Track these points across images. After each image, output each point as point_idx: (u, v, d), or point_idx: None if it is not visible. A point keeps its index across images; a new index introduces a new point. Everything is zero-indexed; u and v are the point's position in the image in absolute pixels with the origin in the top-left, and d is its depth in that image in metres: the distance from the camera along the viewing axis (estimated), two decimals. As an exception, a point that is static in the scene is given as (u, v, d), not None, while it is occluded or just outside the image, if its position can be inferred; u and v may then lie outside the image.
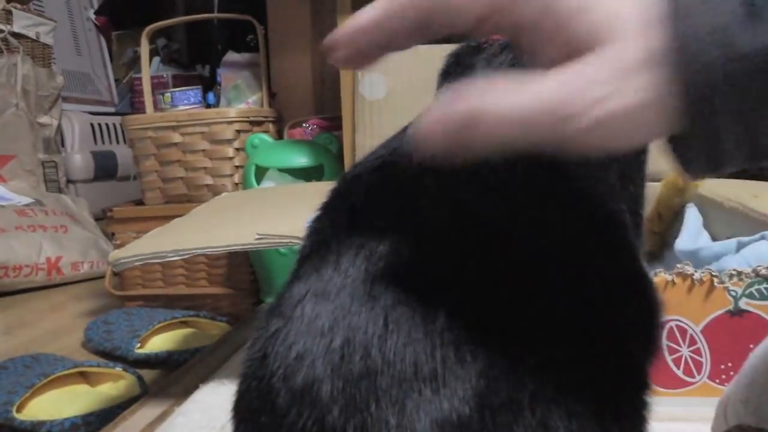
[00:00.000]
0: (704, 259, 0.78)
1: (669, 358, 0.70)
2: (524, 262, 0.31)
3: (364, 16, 0.28)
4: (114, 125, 2.53)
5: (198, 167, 1.46)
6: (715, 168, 0.25)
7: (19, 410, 0.85)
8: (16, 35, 1.96)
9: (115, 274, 1.48)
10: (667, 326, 0.69)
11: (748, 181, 0.97)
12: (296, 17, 1.64)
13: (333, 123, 1.50)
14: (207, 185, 1.46)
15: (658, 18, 0.23)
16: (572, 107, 0.23)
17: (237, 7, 1.77)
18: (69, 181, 2.25)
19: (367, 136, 1.18)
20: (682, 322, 0.69)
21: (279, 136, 1.56)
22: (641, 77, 0.23)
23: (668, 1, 0.23)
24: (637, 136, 0.24)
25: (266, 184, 1.38)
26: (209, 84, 1.85)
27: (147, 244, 0.88)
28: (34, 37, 2.02)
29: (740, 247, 0.77)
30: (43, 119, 2.07)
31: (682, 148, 0.25)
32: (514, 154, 0.26)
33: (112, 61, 2.80)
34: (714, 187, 0.94)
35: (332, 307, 0.30)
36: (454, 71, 0.49)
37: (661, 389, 0.69)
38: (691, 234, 0.85)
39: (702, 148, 0.24)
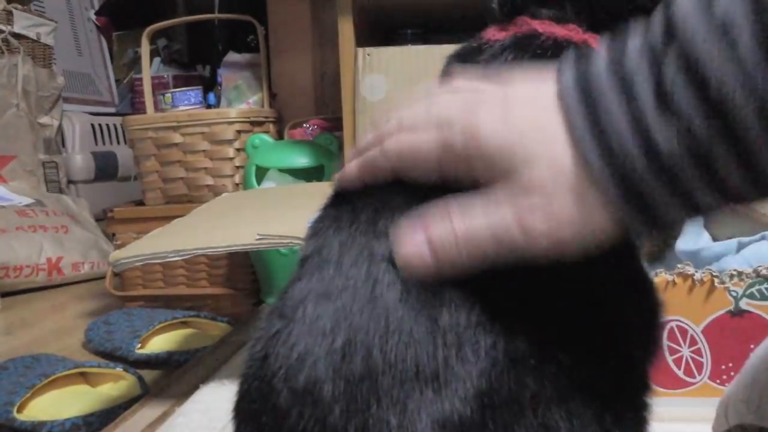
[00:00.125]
0: (705, 259, 0.78)
1: (670, 359, 0.69)
2: (525, 264, 0.31)
3: (347, 179, 0.36)
4: (114, 126, 2.53)
5: (198, 168, 1.46)
6: (662, 230, 0.28)
7: (19, 411, 0.85)
8: (17, 36, 1.96)
9: (115, 274, 1.48)
10: (668, 326, 0.69)
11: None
12: (297, 18, 1.64)
13: (333, 123, 1.50)
14: (207, 186, 1.46)
15: (577, 135, 0.26)
16: (509, 237, 0.28)
17: (237, 8, 1.77)
18: (69, 182, 2.25)
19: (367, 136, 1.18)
20: (682, 322, 0.69)
21: (279, 136, 1.56)
22: (565, 201, 0.27)
23: (586, 115, 0.26)
24: (588, 240, 0.28)
25: (267, 184, 1.38)
26: (210, 84, 1.85)
27: (147, 245, 0.88)
28: (35, 38, 2.02)
29: (741, 247, 0.77)
30: (44, 120, 2.07)
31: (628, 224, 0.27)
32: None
33: (112, 61, 2.80)
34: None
35: (334, 308, 0.30)
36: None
37: (662, 389, 0.69)
38: (692, 234, 0.85)
39: (642, 226, 0.27)
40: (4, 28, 1.92)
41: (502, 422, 0.28)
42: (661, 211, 0.26)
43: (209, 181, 1.46)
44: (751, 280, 0.67)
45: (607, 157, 0.25)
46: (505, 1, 0.48)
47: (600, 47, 0.28)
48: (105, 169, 2.42)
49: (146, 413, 0.79)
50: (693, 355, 0.69)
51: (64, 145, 2.29)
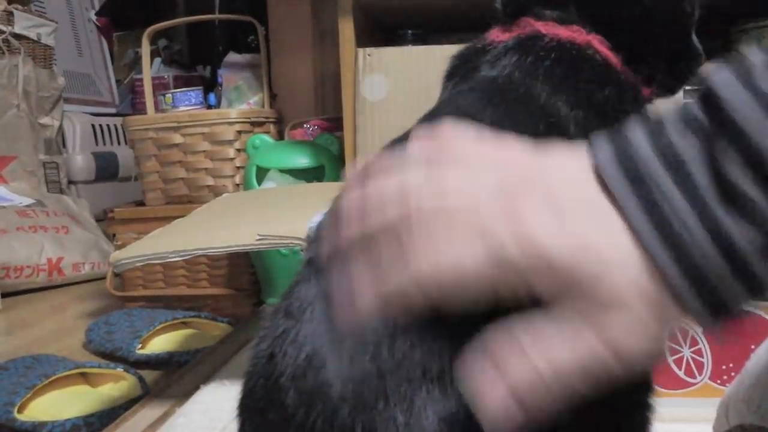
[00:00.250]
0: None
1: (670, 359, 0.69)
2: None
3: (362, 310, 0.27)
4: (115, 126, 2.53)
5: (199, 168, 1.46)
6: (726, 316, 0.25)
7: (20, 411, 0.85)
8: (18, 36, 1.96)
9: (116, 274, 1.48)
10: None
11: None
12: (297, 18, 1.64)
13: (334, 124, 1.50)
14: (208, 186, 1.46)
15: (647, 239, 0.23)
16: (600, 365, 0.24)
17: (238, 8, 1.78)
18: (70, 182, 2.25)
19: (368, 136, 1.18)
20: (683, 323, 0.69)
21: (280, 136, 1.56)
22: (658, 324, 0.24)
23: (645, 207, 0.23)
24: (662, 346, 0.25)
25: (267, 184, 1.38)
26: (210, 85, 1.85)
27: (148, 245, 0.88)
28: (36, 38, 2.02)
29: (742, 247, 0.77)
30: (45, 120, 2.07)
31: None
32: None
33: (113, 62, 2.80)
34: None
35: None
36: (458, 72, 0.49)
37: (663, 390, 0.69)
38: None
39: (713, 317, 0.25)
40: (4, 28, 1.92)
41: None
42: (737, 305, 0.25)
43: (210, 181, 1.46)
44: (751, 281, 0.67)
45: (679, 256, 0.23)
46: (509, 2, 0.48)
47: (631, 124, 0.26)
48: (105, 169, 2.42)
49: (147, 414, 0.79)
50: (694, 355, 0.69)
51: (64, 145, 2.29)
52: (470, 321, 0.29)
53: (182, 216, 1.07)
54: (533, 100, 0.43)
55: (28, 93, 1.99)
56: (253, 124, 1.48)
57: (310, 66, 1.66)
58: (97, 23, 2.79)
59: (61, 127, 2.17)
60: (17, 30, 1.95)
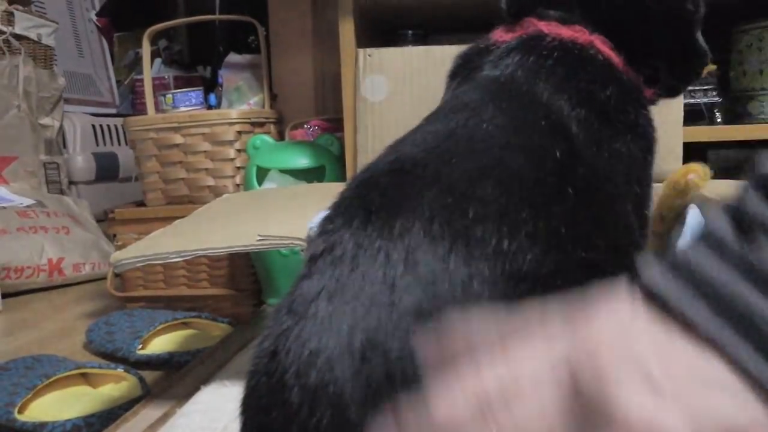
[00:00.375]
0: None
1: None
2: (536, 266, 0.31)
3: None
4: (115, 126, 2.53)
5: (199, 168, 1.46)
6: None
7: (20, 411, 0.85)
8: (18, 37, 1.96)
9: (116, 275, 1.48)
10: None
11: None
12: (297, 18, 1.64)
13: (334, 124, 1.50)
14: (208, 186, 1.46)
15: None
16: None
17: (238, 9, 1.77)
18: (71, 183, 2.25)
19: (368, 137, 1.18)
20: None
21: (280, 137, 1.56)
22: None
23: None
24: None
25: (268, 185, 1.38)
26: (211, 85, 1.85)
27: (148, 245, 0.88)
28: (36, 39, 2.02)
29: (743, 248, 0.77)
30: (45, 121, 2.07)
31: None
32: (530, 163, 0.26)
33: (113, 62, 2.80)
34: (716, 188, 0.94)
35: (350, 308, 0.30)
36: (462, 72, 0.49)
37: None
38: (693, 235, 0.84)
39: None
40: (5, 29, 1.92)
41: None
42: None
43: (210, 182, 1.46)
44: (753, 281, 0.66)
45: None
46: (512, 3, 0.49)
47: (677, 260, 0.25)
48: (106, 169, 2.42)
49: (147, 414, 0.79)
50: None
51: (65, 146, 2.29)
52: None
53: (183, 216, 1.07)
54: (535, 99, 0.43)
55: (29, 93, 1.99)
56: (254, 124, 1.48)
57: (311, 66, 1.66)
58: (98, 24, 2.79)
59: (61, 128, 2.17)
60: (18, 30, 1.96)
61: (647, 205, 0.47)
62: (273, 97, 1.61)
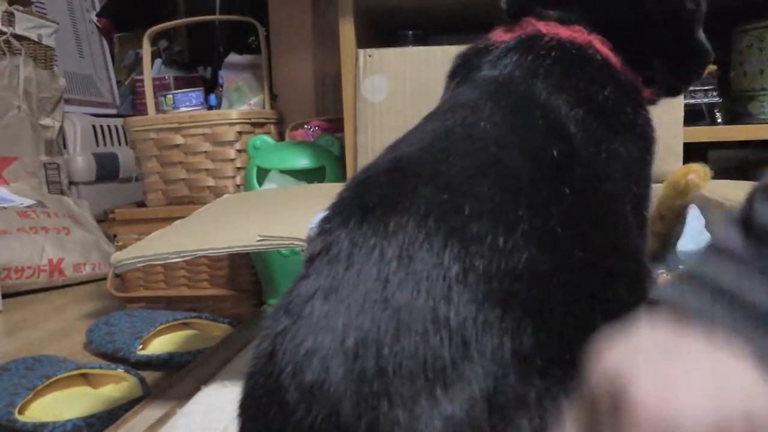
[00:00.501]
0: (706, 260, 0.77)
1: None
2: (531, 263, 0.31)
3: None
4: (116, 127, 2.53)
5: (200, 169, 1.46)
6: None
7: (21, 412, 0.85)
8: (19, 37, 1.96)
9: (116, 275, 1.48)
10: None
11: (750, 182, 0.97)
12: (298, 19, 1.64)
13: (334, 124, 1.50)
14: (209, 187, 1.46)
15: None
16: None
17: (238, 9, 1.77)
18: (71, 183, 2.25)
19: (368, 137, 1.18)
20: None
21: (281, 137, 1.56)
22: None
23: None
24: None
25: (268, 185, 1.38)
26: (211, 86, 1.85)
27: (149, 246, 0.88)
28: (37, 39, 2.02)
29: (742, 248, 0.77)
30: (45, 121, 2.07)
31: None
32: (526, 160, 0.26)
33: (114, 63, 2.80)
34: (716, 188, 0.94)
35: (344, 307, 0.30)
36: (461, 72, 0.49)
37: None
38: (693, 235, 0.84)
39: None
40: (5, 29, 1.92)
41: (508, 420, 0.28)
42: None
43: (210, 182, 1.46)
44: (752, 281, 0.66)
45: None
46: (512, 3, 0.49)
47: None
48: (106, 170, 2.42)
49: (148, 414, 0.79)
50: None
51: (65, 146, 2.29)
52: (471, 321, 0.29)
53: (183, 217, 1.07)
54: (533, 98, 0.43)
55: (29, 94, 1.99)
56: (254, 124, 1.48)
57: (311, 67, 1.66)
58: (98, 24, 2.79)
59: (62, 128, 2.17)
60: (18, 31, 1.96)
61: (646, 205, 0.47)
62: (273, 98, 1.61)
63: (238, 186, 1.46)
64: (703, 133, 1.21)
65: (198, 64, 2.18)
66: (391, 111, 1.17)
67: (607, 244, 0.36)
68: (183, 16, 2.25)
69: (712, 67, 1.28)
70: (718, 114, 1.31)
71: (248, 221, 0.97)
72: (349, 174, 1.26)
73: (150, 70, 1.55)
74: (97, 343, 1.15)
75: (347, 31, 1.20)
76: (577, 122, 0.42)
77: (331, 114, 1.59)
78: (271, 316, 0.33)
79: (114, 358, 1.09)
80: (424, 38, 1.38)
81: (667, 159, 1.05)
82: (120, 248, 1.36)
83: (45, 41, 2.05)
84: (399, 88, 1.16)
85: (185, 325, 1.19)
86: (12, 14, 1.94)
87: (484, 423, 0.28)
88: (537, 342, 0.29)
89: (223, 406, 0.76)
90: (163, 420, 0.77)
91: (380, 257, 0.31)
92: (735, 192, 0.90)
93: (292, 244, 0.80)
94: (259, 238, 0.81)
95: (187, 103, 1.54)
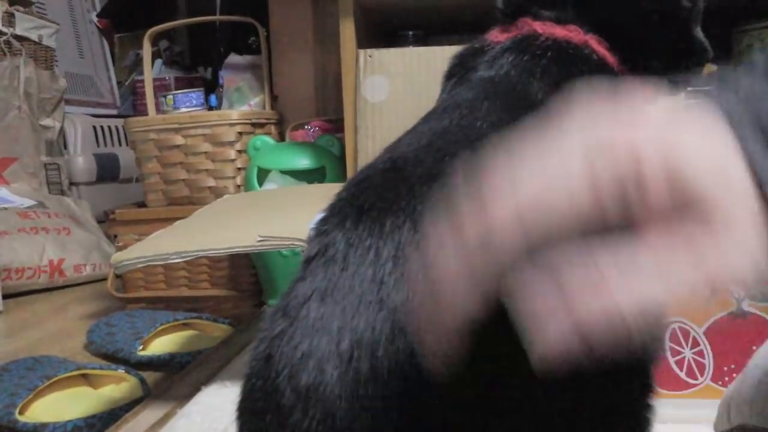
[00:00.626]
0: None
1: (672, 360, 0.69)
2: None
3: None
4: (116, 127, 2.54)
5: (200, 169, 1.46)
6: None
7: (21, 412, 0.85)
8: (19, 38, 1.96)
9: (117, 276, 1.48)
10: (670, 328, 0.69)
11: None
12: (298, 19, 1.64)
13: (335, 125, 1.50)
14: (209, 187, 1.46)
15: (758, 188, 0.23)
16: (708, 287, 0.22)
17: (239, 10, 1.77)
18: (71, 184, 2.25)
19: (368, 138, 1.18)
20: (684, 323, 0.69)
21: (281, 138, 1.56)
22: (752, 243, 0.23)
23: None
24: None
25: (268, 186, 1.38)
26: (211, 86, 1.85)
27: (149, 246, 0.88)
28: (37, 40, 2.02)
29: (743, 248, 0.77)
30: (46, 122, 2.07)
31: None
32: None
33: (114, 63, 2.80)
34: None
35: (339, 309, 0.30)
36: (457, 72, 0.49)
37: (664, 391, 0.69)
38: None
39: None
40: (6, 30, 1.92)
41: (506, 424, 0.28)
42: None
43: (211, 182, 1.46)
44: (753, 282, 0.66)
45: None
46: (508, 3, 0.49)
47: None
48: (107, 170, 2.42)
49: (148, 415, 0.79)
50: (695, 356, 0.69)
51: (66, 147, 2.29)
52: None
53: (183, 217, 1.07)
54: (529, 98, 0.43)
55: (30, 94, 1.99)
56: (254, 125, 1.48)
57: (311, 67, 1.66)
58: (98, 25, 2.79)
59: (62, 129, 2.17)
60: (19, 32, 1.96)
61: None
62: (273, 98, 1.61)
63: (239, 186, 1.46)
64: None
65: (198, 64, 2.19)
66: (391, 111, 1.17)
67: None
68: (183, 16, 2.25)
69: (712, 68, 1.28)
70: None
71: (248, 222, 0.97)
72: (350, 174, 1.26)
73: (150, 71, 1.55)
74: (97, 344, 1.15)
75: (347, 31, 1.20)
76: None
77: (331, 114, 1.59)
78: (269, 319, 0.33)
79: (114, 358, 1.10)
80: (424, 39, 1.38)
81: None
82: (120, 249, 1.37)
83: (45, 42, 2.05)
84: (399, 89, 1.16)
85: (186, 326, 1.19)
86: (12, 15, 1.94)
87: (479, 425, 0.28)
88: None
89: (224, 407, 0.76)
90: (163, 420, 0.77)
91: (376, 258, 0.31)
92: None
93: (293, 244, 0.80)
94: (260, 239, 0.81)
95: (188, 104, 1.54)
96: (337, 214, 0.35)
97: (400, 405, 0.28)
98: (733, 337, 0.68)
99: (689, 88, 0.54)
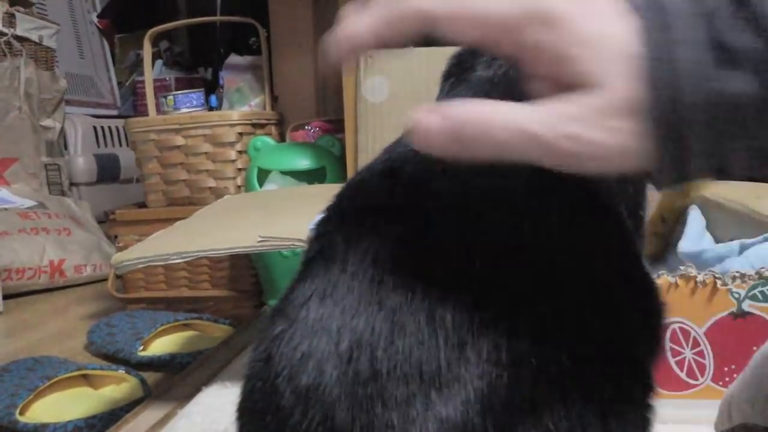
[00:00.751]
0: (707, 261, 0.78)
1: (672, 361, 0.69)
2: (529, 264, 0.31)
3: (362, 25, 0.28)
4: (117, 128, 2.54)
5: (200, 170, 1.46)
6: (680, 182, 0.27)
7: (22, 413, 0.85)
8: (20, 38, 1.96)
9: (117, 276, 1.48)
10: (671, 328, 0.69)
11: (751, 182, 0.97)
12: (298, 20, 1.64)
13: (335, 125, 1.50)
14: (210, 188, 1.46)
15: (639, 69, 0.25)
16: (547, 137, 0.25)
17: (239, 10, 1.78)
18: (72, 184, 2.25)
19: (369, 138, 1.18)
20: (685, 324, 0.69)
21: (281, 138, 1.56)
22: (616, 122, 0.25)
23: (650, 51, 0.24)
24: (609, 166, 0.26)
25: (269, 186, 1.38)
26: (212, 87, 1.86)
27: (150, 247, 0.88)
28: (37, 41, 2.03)
29: (743, 248, 0.77)
30: (46, 122, 2.08)
31: (652, 168, 0.26)
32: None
33: (114, 64, 2.80)
34: (717, 188, 0.94)
35: (339, 309, 0.30)
36: (455, 72, 0.49)
37: (664, 391, 0.69)
38: (694, 236, 0.85)
39: (670, 172, 0.26)
40: (6, 30, 1.92)
41: (503, 423, 0.28)
42: (694, 161, 0.25)
43: (211, 183, 1.46)
44: (753, 282, 0.66)
45: (660, 89, 0.24)
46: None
47: None
48: (107, 171, 2.42)
49: (148, 415, 0.79)
50: (695, 356, 0.69)
51: (66, 147, 2.30)
52: (468, 322, 0.29)
53: (184, 218, 1.07)
54: (527, 98, 0.43)
55: (30, 95, 1.99)
56: (255, 125, 1.48)
57: (312, 67, 1.66)
58: (99, 25, 2.79)
59: (62, 129, 2.17)
60: (19, 32, 1.96)
61: (642, 205, 0.47)
62: (274, 99, 1.61)
63: (239, 187, 1.46)
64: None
65: (199, 65, 2.19)
66: (391, 112, 1.17)
67: (605, 245, 0.36)
68: (184, 17, 2.25)
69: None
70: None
71: (249, 222, 0.97)
72: (350, 175, 1.26)
73: (151, 71, 1.55)
74: (97, 344, 1.15)
75: (348, 32, 1.20)
76: None
77: (331, 115, 1.59)
78: (269, 319, 0.33)
79: (115, 359, 1.10)
80: (425, 39, 1.38)
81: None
82: (121, 249, 1.37)
83: (46, 42, 2.05)
84: (399, 89, 1.16)
85: (186, 326, 1.19)
86: (13, 15, 1.94)
87: (478, 426, 0.28)
88: (532, 342, 0.29)
89: (224, 407, 0.76)
90: (164, 421, 0.77)
91: (375, 258, 0.31)
92: (736, 192, 0.90)
93: (293, 245, 0.80)
94: (260, 239, 0.81)
95: (188, 104, 1.54)
96: (336, 215, 0.35)
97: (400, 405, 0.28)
98: (733, 337, 0.68)
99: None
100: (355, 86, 1.19)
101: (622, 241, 0.37)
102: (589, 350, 0.31)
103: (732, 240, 0.79)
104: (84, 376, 0.96)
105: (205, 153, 1.45)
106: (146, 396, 0.90)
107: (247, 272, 1.40)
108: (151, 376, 1.00)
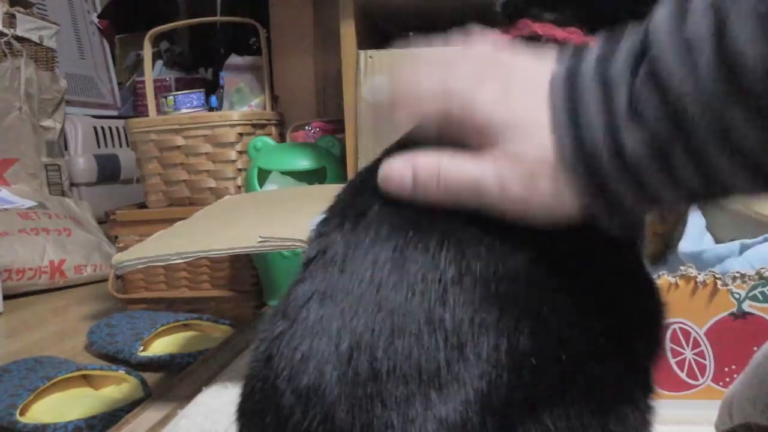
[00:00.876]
0: (707, 261, 0.78)
1: (672, 361, 0.69)
2: (529, 264, 0.31)
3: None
4: (117, 128, 2.54)
5: (201, 170, 1.46)
6: (621, 218, 0.30)
7: (22, 413, 0.85)
8: (20, 39, 1.96)
9: (118, 277, 1.48)
10: (671, 329, 0.69)
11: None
12: (299, 20, 1.64)
13: (335, 126, 1.50)
14: (210, 188, 1.46)
15: (558, 124, 0.29)
16: (485, 188, 0.31)
17: (240, 11, 1.78)
18: (72, 184, 2.25)
19: (369, 138, 1.18)
20: (685, 324, 0.69)
21: (281, 139, 1.56)
22: (540, 176, 0.29)
23: (568, 108, 0.29)
24: (546, 216, 0.30)
25: (269, 186, 1.38)
26: (212, 87, 1.85)
27: (150, 247, 0.88)
28: (38, 41, 2.03)
29: (743, 249, 0.77)
30: (47, 123, 2.08)
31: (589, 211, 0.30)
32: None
33: (115, 64, 2.80)
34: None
35: (339, 310, 0.30)
36: None
37: (665, 392, 0.69)
38: (695, 236, 0.84)
39: (605, 214, 0.30)
40: (6, 31, 1.92)
41: (502, 423, 0.28)
42: (622, 203, 0.29)
43: (211, 183, 1.46)
44: (753, 282, 0.66)
45: (579, 151, 0.28)
46: (508, 4, 0.49)
47: (595, 44, 0.30)
48: (107, 171, 2.42)
49: (149, 416, 0.79)
50: (696, 357, 0.69)
51: (66, 147, 2.30)
52: (468, 322, 0.29)
53: (184, 218, 1.07)
54: None
55: (30, 95, 2.00)
56: (255, 126, 1.48)
57: (312, 68, 1.66)
58: (99, 26, 2.79)
59: (63, 130, 2.17)
60: (19, 33, 1.96)
61: None
62: (274, 99, 1.61)
63: (239, 187, 1.46)
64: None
65: (199, 65, 2.19)
66: (391, 112, 1.16)
67: (605, 246, 0.36)
68: (184, 17, 2.26)
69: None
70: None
71: (249, 223, 0.97)
72: (350, 175, 1.26)
73: (151, 72, 1.55)
74: (98, 345, 1.15)
75: (348, 32, 1.20)
76: None
77: (331, 115, 1.59)
78: (269, 320, 0.33)
79: (115, 359, 1.10)
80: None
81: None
82: (121, 249, 1.37)
83: (46, 43, 2.05)
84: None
85: (186, 327, 1.19)
86: (13, 16, 1.94)
87: (477, 425, 0.28)
88: (532, 342, 0.29)
89: (224, 408, 0.76)
90: (164, 421, 0.77)
91: (374, 259, 0.31)
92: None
93: (293, 245, 0.80)
94: (260, 240, 0.81)
95: (188, 105, 1.54)
96: (336, 216, 0.35)
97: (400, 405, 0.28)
98: (734, 337, 0.68)
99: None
100: (355, 86, 1.19)
101: (622, 241, 0.37)
102: (589, 350, 0.31)
103: (732, 240, 0.79)
104: (84, 376, 0.96)
105: (206, 153, 1.45)
106: (146, 396, 0.90)
107: (247, 272, 1.40)
108: (151, 377, 1.00)
